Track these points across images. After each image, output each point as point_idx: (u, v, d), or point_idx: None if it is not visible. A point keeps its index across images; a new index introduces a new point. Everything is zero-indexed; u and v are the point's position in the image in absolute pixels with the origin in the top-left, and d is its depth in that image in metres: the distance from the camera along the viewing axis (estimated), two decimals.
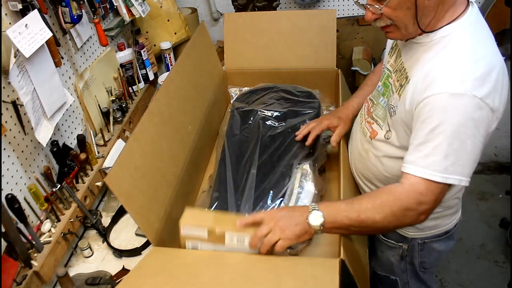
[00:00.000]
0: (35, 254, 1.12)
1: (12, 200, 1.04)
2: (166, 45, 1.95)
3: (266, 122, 1.43)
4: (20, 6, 1.13)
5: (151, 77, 1.86)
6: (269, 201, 1.17)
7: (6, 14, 1.13)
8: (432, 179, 0.89)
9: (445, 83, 0.88)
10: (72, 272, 1.23)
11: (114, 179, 0.96)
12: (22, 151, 1.17)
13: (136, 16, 1.69)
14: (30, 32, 1.09)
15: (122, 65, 1.72)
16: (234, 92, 1.71)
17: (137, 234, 1.33)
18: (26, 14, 1.11)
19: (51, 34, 1.17)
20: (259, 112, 1.47)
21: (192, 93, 1.44)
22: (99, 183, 1.39)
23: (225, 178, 1.26)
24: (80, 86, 1.44)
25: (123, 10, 1.63)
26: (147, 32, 1.94)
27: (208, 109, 1.52)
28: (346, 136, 1.33)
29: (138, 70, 1.80)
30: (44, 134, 1.19)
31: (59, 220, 1.22)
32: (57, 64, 1.26)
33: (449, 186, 0.91)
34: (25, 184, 1.17)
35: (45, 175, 1.25)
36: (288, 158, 1.29)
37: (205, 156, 1.52)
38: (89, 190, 1.35)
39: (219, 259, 0.97)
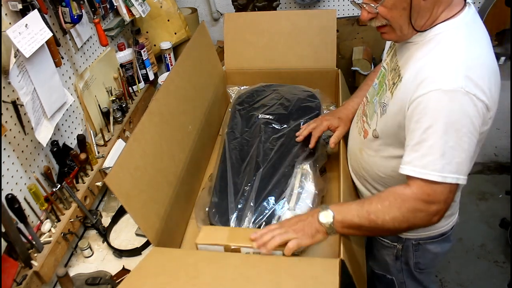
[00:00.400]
0: (35, 254, 1.12)
1: (12, 200, 1.04)
2: (166, 45, 1.95)
3: (268, 125, 1.42)
4: (20, 6, 1.13)
5: (151, 77, 1.87)
6: (272, 202, 1.17)
7: (6, 14, 1.13)
8: (431, 179, 0.88)
9: (437, 81, 0.88)
10: (72, 272, 1.23)
11: (114, 179, 0.96)
12: (22, 151, 1.17)
13: (136, 16, 1.70)
14: (30, 32, 1.09)
15: (122, 65, 1.72)
16: (233, 91, 1.71)
17: (137, 234, 1.33)
18: (26, 14, 1.11)
19: (51, 34, 1.17)
20: (260, 116, 1.47)
21: (192, 93, 1.44)
22: (99, 183, 1.39)
23: (226, 180, 1.26)
24: (80, 86, 1.44)
25: (123, 10, 1.63)
26: (147, 32, 1.94)
27: (208, 109, 1.52)
28: (346, 136, 1.33)
29: (138, 70, 1.80)
30: (44, 134, 1.19)
31: (59, 220, 1.22)
32: (57, 64, 1.26)
33: (457, 185, 0.90)
34: (25, 184, 1.17)
35: (45, 175, 1.25)
36: (290, 159, 1.29)
37: (205, 156, 1.52)
38: (89, 190, 1.35)
39: (219, 259, 0.97)
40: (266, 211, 1.16)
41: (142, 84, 1.84)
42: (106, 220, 1.39)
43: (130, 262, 1.24)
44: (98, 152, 1.45)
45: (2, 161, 1.09)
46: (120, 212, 1.40)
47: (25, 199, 1.16)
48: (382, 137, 1.06)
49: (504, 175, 2.57)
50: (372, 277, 1.40)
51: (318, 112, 1.47)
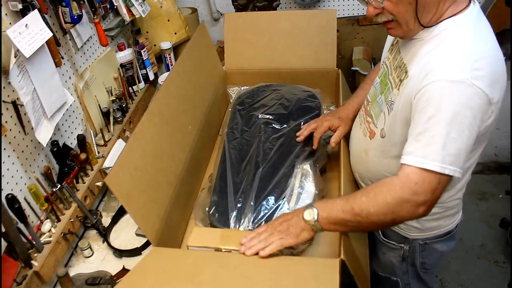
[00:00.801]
0: (35, 254, 1.12)
1: (12, 200, 1.04)
2: (166, 45, 1.95)
3: (268, 125, 1.42)
4: (20, 6, 1.13)
5: (151, 77, 1.86)
6: (272, 202, 1.17)
7: (6, 14, 1.13)
8: (429, 168, 0.87)
9: (443, 71, 0.87)
10: (72, 272, 1.23)
11: (114, 179, 0.96)
12: (22, 151, 1.17)
13: (136, 16, 1.69)
14: (30, 32, 1.09)
15: (122, 65, 1.72)
16: (233, 91, 1.71)
17: (137, 234, 1.33)
18: (26, 14, 1.11)
19: (51, 34, 1.17)
20: (260, 116, 1.46)
21: (192, 93, 1.44)
22: (99, 183, 1.39)
23: (225, 180, 1.26)
24: (80, 86, 1.44)
25: (123, 10, 1.63)
26: (147, 32, 1.94)
27: (208, 109, 1.52)
28: (347, 136, 1.33)
29: (138, 70, 1.80)
30: (44, 134, 1.19)
31: (59, 220, 1.22)
32: (57, 64, 1.26)
33: (448, 177, 0.89)
34: (25, 184, 1.17)
35: (45, 175, 1.25)
36: (290, 158, 1.29)
37: (205, 156, 1.52)
38: (89, 190, 1.35)
39: (219, 259, 0.97)
40: (266, 211, 1.16)
41: (142, 84, 1.84)
42: (106, 220, 1.39)
43: (130, 262, 1.24)
44: (98, 152, 1.45)
45: (2, 161, 1.09)
46: (120, 212, 1.40)
47: (25, 199, 1.16)
48: (389, 136, 1.05)
49: (504, 175, 2.57)
50: (375, 280, 1.39)
51: (318, 112, 1.47)
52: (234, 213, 1.16)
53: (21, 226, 1.09)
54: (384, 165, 1.11)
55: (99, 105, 1.54)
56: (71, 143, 1.41)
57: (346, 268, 0.91)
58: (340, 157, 1.28)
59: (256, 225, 1.13)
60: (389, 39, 1.19)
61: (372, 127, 1.12)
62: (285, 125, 1.42)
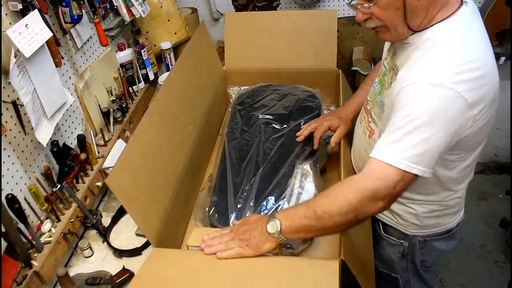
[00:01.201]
0: (35, 254, 1.12)
1: (12, 200, 1.04)
2: (166, 45, 1.95)
3: (268, 125, 1.42)
4: (20, 6, 1.13)
5: (151, 77, 1.86)
6: (272, 202, 1.17)
7: (6, 14, 1.13)
8: (395, 165, 0.87)
9: (425, 74, 0.88)
10: (72, 272, 1.23)
11: (115, 179, 0.96)
12: (22, 151, 1.17)
13: (136, 16, 1.69)
14: (30, 32, 1.09)
15: (122, 65, 1.72)
16: (233, 91, 1.71)
17: (137, 234, 1.33)
18: (26, 14, 1.11)
19: (51, 34, 1.17)
20: (260, 116, 1.47)
21: (192, 93, 1.44)
22: (99, 183, 1.39)
23: (225, 180, 1.26)
24: (80, 86, 1.44)
25: (123, 10, 1.63)
26: (147, 32, 1.94)
27: (208, 109, 1.52)
28: (348, 136, 1.33)
29: (138, 70, 1.80)
30: (44, 134, 1.19)
31: (59, 220, 1.22)
32: (57, 64, 1.26)
33: (413, 176, 0.88)
34: (25, 184, 1.17)
35: (45, 175, 1.25)
36: (290, 159, 1.29)
37: (205, 156, 1.52)
38: (89, 190, 1.35)
39: (219, 260, 0.97)
40: (266, 211, 1.16)
41: (142, 84, 1.84)
42: (106, 220, 1.39)
43: (130, 262, 1.24)
44: (98, 152, 1.45)
45: (2, 161, 1.09)
46: (120, 212, 1.40)
47: (25, 199, 1.16)
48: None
49: (504, 175, 2.57)
50: (376, 275, 1.40)
51: (318, 112, 1.47)
52: (234, 214, 1.16)
53: (21, 226, 1.09)
54: None
55: (99, 105, 1.54)
56: (71, 143, 1.41)
57: (346, 268, 0.91)
58: (340, 157, 1.28)
59: None
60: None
61: (373, 126, 1.13)
62: (285, 125, 1.42)
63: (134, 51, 1.77)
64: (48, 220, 1.20)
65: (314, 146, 1.32)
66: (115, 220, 1.38)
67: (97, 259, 1.28)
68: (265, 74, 1.71)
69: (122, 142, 1.53)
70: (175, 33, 2.01)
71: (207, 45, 1.64)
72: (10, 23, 1.12)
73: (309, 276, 0.89)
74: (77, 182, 1.33)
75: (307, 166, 1.26)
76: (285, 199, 1.17)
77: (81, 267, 1.25)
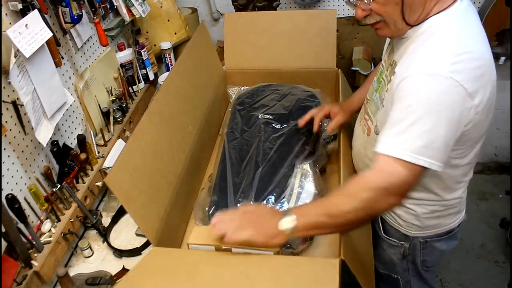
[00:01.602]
0: (35, 254, 1.12)
1: (12, 200, 1.04)
2: (166, 45, 1.95)
3: (268, 125, 1.42)
4: (20, 6, 1.13)
5: (151, 77, 1.87)
6: (271, 202, 1.17)
7: (6, 14, 1.13)
8: (402, 157, 0.86)
9: (423, 65, 0.88)
10: (72, 272, 1.23)
11: (114, 179, 0.96)
12: (22, 151, 1.17)
13: (136, 16, 1.69)
14: (30, 32, 1.09)
15: (122, 65, 1.72)
16: (233, 91, 1.71)
17: (137, 234, 1.33)
18: (26, 14, 1.11)
19: (51, 34, 1.17)
20: (260, 116, 1.47)
21: (192, 93, 1.44)
22: (99, 183, 1.39)
23: (225, 180, 1.26)
24: (80, 86, 1.44)
25: (123, 10, 1.63)
26: (147, 32, 1.94)
27: (208, 109, 1.52)
28: (348, 137, 1.33)
29: (138, 70, 1.80)
30: (44, 134, 1.19)
31: (59, 220, 1.23)
32: (57, 64, 1.26)
33: (422, 168, 0.88)
34: (25, 184, 1.17)
35: (45, 175, 1.25)
36: (290, 158, 1.29)
37: (205, 156, 1.52)
38: (89, 190, 1.35)
39: (219, 259, 0.97)
40: None
41: (142, 84, 1.84)
42: (106, 220, 1.39)
43: (130, 262, 1.24)
44: (98, 152, 1.45)
45: (2, 161, 1.09)
46: (120, 212, 1.40)
47: (25, 199, 1.16)
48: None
49: (504, 175, 2.57)
50: (376, 277, 1.40)
51: None
52: None
53: (21, 226, 1.09)
54: None
55: (99, 105, 1.54)
56: (71, 143, 1.41)
57: (346, 268, 0.91)
58: (340, 157, 1.28)
59: None
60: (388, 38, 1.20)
61: (370, 124, 1.14)
62: (285, 125, 1.42)
63: (134, 51, 1.77)
64: (48, 220, 1.20)
65: (313, 128, 1.33)
66: (115, 220, 1.38)
67: (97, 259, 1.28)
68: (265, 74, 1.71)
69: (122, 142, 1.53)
70: (175, 33, 2.01)
71: (207, 45, 1.64)
72: (10, 23, 1.13)
73: (309, 276, 0.89)
74: (77, 182, 1.33)
75: (307, 166, 1.26)
76: (284, 199, 1.17)
77: (81, 267, 1.25)
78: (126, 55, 1.74)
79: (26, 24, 1.08)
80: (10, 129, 1.13)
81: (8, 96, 1.12)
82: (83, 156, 1.32)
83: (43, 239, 1.17)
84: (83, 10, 1.36)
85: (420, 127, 0.86)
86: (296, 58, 1.69)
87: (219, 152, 1.39)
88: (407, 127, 0.87)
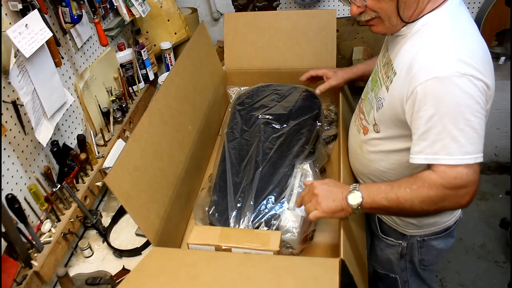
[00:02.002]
0: (35, 254, 1.12)
1: (12, 200, 1.04)
2: (166, 45, 1.95)
3: (267, 125, 1.43)
4: (20, 6, 1.13)
5: (151, 77, 1.87)
6: (271, 202, 1.17)
7: (6, 14, 1.13)
8: (446, 163, 0.89)
9: (430, 69, 0.89)
10: (72, 272, 1.23)
11: (114, 179, 0.96)
12: (22, 151, 1.17)
13: (136, 16, 1.69)
14: (30, 32, 1.09)
15: (122, 65, 1.72)
16: (233, 91, 1.71)
17: (137, 234, 1.33)
18: (26, 14, 1.11)
19: (51, 34, 1.17)
20: (259, 116, 1.47)
21: (192, 93, 1.44)
22: (99, 183, 1.39)
23: (225, 180, 1.26)
24: (80, 86, 1.44)
25: (123, 10, 1.63)
26: (147, 32, 1.94)
27: (208, 109, 1.52)
28: (346, 137, 1.33)
29: (138, 70, 1.80)
30: (44, 134, 1.19)
31: (59, 220, 1.23)
32: (57, 64, 1.26)
33: (479, 164, 0.90)
34: (25, 184, 1.17)
35: (45, 175, 1.25)
36: (290, 158, 1.29)
37: (205, 156, 1.52)
38: (89, 190, 1.35)
39: (219, 259, 0.97)
40: (266, 211, 1.16)
41: (142, 84, 1.84)
42: (106, 220, 1.39)
43: (130, 262, 1.24)
44: (98, 152, 1.45)
45: (2, 161, 1.09)
46: (120, 212, 1.40)
47: (25, 199, 1.16)
48: (382, 131, 1.07)
49: (504, 175, 2.57)
50: (374, 277, 1.40)
51: (318, 112, 1.47)
52: (234, 213, 1.16)
53: (21, 226, 1.09)
54: (377, 159, 1.12)
55: (99, 105, 1.54)
56: (71, 143, 1.41)
57: (346, 268, 0.91)
58: (340, 157, 1.28)
59: (255, 225, 1.13)
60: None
61: (365, 123, 1.14)
62: (284, 125, 1.42)
63: (134, 51, 1.77)
64: (48, 220, 1.20)
65: (301, 77, 1.50)
66: (115, 220, 1.38)
67: (97, 259, 1.28)
68: (265, 74, 1.71)
69: (122, 142, 1.53)
70: (175, 33, 2.01)
71: (207, 45, 1.64)
72: (10, 23, 1.13)
73: (309, 276, 0.89)
74: (77, 182, 1.34)
75: (306, 166, 1.26)
76: (284, 199, 1.17)
77: (81, 267, 1.25)
78: (126, 55, 1.74)
79: (26, 24, 1.08)
80: (10, 129, 1.13)
81: (8, 96, 1.12)
82: (83, 156, 1.32)
83: (43, 239, 1.17)
84: (83, 10, 1.36)
85: (452, 130, 0.88)
86: (296, 58, 1.69)
87: (219, 152, 1.39)
88: (439, 134, 0.89)
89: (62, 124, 1.38)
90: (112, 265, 1.24)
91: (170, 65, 1.99)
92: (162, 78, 1.92)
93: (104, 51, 1.62)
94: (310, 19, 1.66)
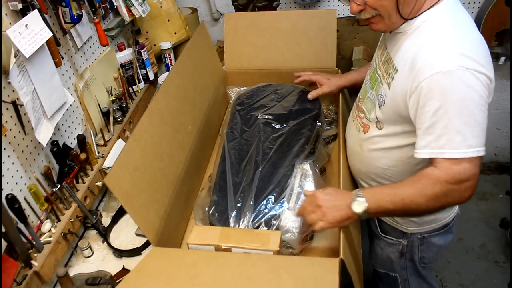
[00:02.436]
0: (35, 254, 1.12)
1: (12, 200, 1.04)
2: (166, 45, 1.95)
3: (267, 125, 1.43)
4: (20, 6, 1.13)
5: (151, 77, 1.87)
6: (271, 201, 1.17)
7: (6, 14, 1.13)
8: (451, 157, 0.89)
9: (434, 64, 0.90)
10: (72, 272, 1.23)
11: (114, 179, 0.96)
12: (22, 151, 1.17)
13: (136, 16, 1.70)
14: (30, 32, 1.09)
15: (122, 65, 1.72)
16: (233, 92, 1.71)
17: (137, 234, 1.33)
18: (26, 14, 1.11)
19: (51, 34, 1.17)
20: (259, 116, 1.47)
21: (192, 93, 1.44)
22: (99, 183, 1.39)
23: (225, 179, 1.26)
24: (80, 86, 1.44)
25: (123, 10, 1.63)
26: (147, 32, 1.94)
27: (208, 109, 1.52)
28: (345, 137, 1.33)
29: (138, 70, 1.80)
30: (44, 134, 1.19)
31: (59, 220, 1.23)
32: (57, 64, 1.26)
33: (480, 157, 0.91)
34: (25, 184, 1.17)
35: (45, 175, 1.25)
36: (290, 158, 1.29)
37: (205, 156, 1.52)
38: (89, 190, 1.35)
39: (219, 259, 0.97)
40: (266, 210, 1.16)
41: (142, 84, 1.84)
42: (106, 220, 1.39)
43: (130, 262, 1.24)
44: (98, 152, 1.45)
45: (2, 161, 1.09)
46: (120, 212, 1.40)
47: (25, 199, 1.16)
48: (385, 128, 1.08)
49: (504, 175, 2.57)
50: (374, 276, 1.40)
51: (317, 112, 1.47)
52: (234, 213, 1.16)
53: (21, 226, 1.09)
54: (378, 157, 1.12)
55: (99, 105, 1.54)
56: (71, 143, 1.41)
57: (345, 268, 0.91)
58: (340, 157, 1.28)
59: (255, 225, 1.13)
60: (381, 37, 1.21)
61: (365, 121, 1.15)
62: (284, 125, 1.42)
63: (134, 51, 1.77)
64: (48, 220, 1.20)
65: (295, 80, 1.55)
66: (115, 220, 1.38)
67: (97, 259, 1.28)
68: (265, 74, 1.71)
69: (122, 142, 1.53)
70: (175, 33, 2.01)
71: (207, 45, 1.64)
72: (10, 23, 1.13)
73: (309, 276, 0.89)
74: (77, 182, 1.34)
75: (306, 166, 1.26)
76: (284, 199, 1.17)
77: (81, 267, 1.25)
78: (126, 55, 1.74)
79: (26, 24, 1.08)
80: (10, 129, 1.13)
81: (8, 96, 1.12)
82: (83, 156, 1.32)
83: (43, 239, 1.17)
84: (83, 10, 1.36)
85: (458, 123, 0.88)
86: (296, 58, 1.69)
87: (219, 152, 1.39)
88: (444, 128, 0.89)
89: (62, 124, 1.38)
90: (112, 265, 1.24)
91: (170, 65, 2.00)
92: (162, 78, 1.92)
93: (104, 51, 1.62)
94: (310, 19, 1.66)
